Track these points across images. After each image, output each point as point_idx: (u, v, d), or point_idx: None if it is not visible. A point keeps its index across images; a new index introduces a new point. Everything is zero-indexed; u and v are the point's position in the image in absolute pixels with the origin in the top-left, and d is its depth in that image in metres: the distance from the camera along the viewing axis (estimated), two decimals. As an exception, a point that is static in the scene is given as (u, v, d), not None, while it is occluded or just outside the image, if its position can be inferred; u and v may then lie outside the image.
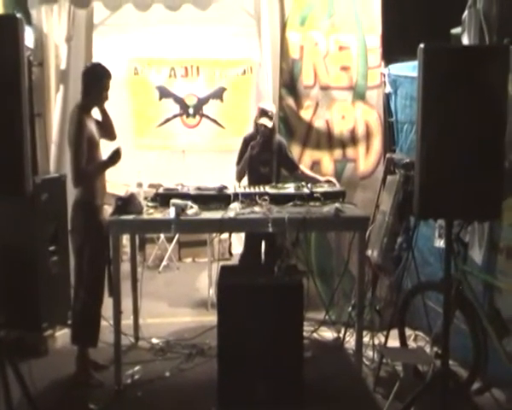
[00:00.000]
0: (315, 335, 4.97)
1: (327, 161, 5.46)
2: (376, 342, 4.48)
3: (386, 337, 4.26)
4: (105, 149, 4.19)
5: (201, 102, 7.75)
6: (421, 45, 2.75)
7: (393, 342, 4.34)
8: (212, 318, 4.36)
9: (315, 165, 5.43)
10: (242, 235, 5.53)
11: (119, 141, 4.35)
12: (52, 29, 5.01)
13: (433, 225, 4.39)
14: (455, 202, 2.81)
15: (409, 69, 5.16)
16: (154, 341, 4.82)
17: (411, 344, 4.47)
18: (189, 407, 3.86)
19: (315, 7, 5.36)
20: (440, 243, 4.20)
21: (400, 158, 4.51)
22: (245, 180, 5.09)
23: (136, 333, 4.89)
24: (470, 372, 3.88)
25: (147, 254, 7.38)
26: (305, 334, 4.22)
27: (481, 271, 4.01)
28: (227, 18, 6.36)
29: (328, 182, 4.85)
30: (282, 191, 4.46)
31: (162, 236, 7.29)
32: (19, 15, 2.66)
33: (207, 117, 7.79)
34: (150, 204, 4.25)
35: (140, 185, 4.76)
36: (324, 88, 5.42)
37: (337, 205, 4.18)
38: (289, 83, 5.38)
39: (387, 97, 5.55)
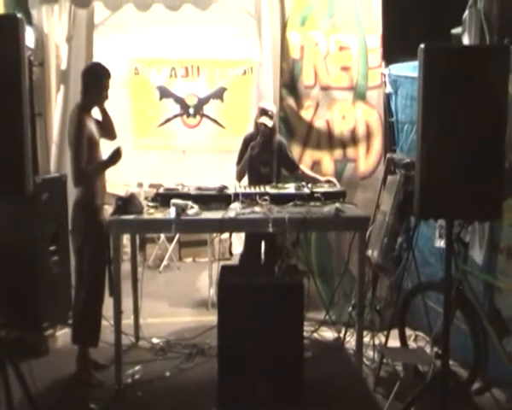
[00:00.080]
0: (315, 335, 4.97)
1: (327, 161, 5.46)
2: (377, 342, 4.48)
3: (387, 337, 4.26)
4: (105, 148, 4.19)
5: (202, 102, 7.75)
6: (422, 45, 2.75)
7: (394, 342, 4.34)
8: (212, 318, 4.36)
9: (315, 165, 5.43)
10: (243, 235, 5.53)
11: (120, 141, 4.35)
12: (53, 29, 5.01)
13: (433, 226, 4.39)
14: (455, 202, 2.81)
15: (409, 69, 5.16)
16: (155, 340, 4.82)
17: (412, 344, 4.48)
18: (190, 407, 3.86)
19: (315, 7, 5.36)
20: (441, 243, 4.20)
21: (401, 158, 4.51)
22: (245, 180, 5.09)
23: (137, 333, 4.90)
24: (470, 372, 3.88)
25: (147, 253, 7.38)
26: (305, 334, 4.22)
27: (482, 271, 4.01)
28: (227, 18, 6.36)
29: (329, 182, 4.85)
30: (282, 191, 4.46)
31: (162, 236, 7.29)
32: (19, 15, 2.66)
33: (208, 117, 7.80)
34: (151, 204, 4.25)
35: (140, 185, 4.76)
36: (325, 88, 5.42)
37: (337, 205, 4.18)
38: (290, 83, 5.38)
39: (388, 97, 5.55)
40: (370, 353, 4.49)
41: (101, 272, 4.13)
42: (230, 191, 4.36)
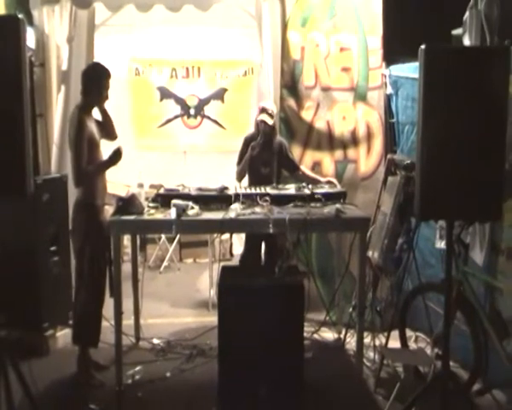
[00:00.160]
0: (316, 336, 4.97)
1: (328, 161, 5.46)
2: (377, 343, 4.49)
3: (387, 338, 4.26)
4: (106, 149, 4.19)
5: (202, 102, 7.76)
6: (422, 46, 2.75)
7: (394, 343, 4.35)
8: (212, 318, 4.36)
9: (316, 165, 5.43)
10: (243, 236, 5.52)
11: (120, 141, 4.35)
12: (54, 30, 5.01)
13: (433, 227, 4.39)
14: (456, 203, 2.81)
15: (410, 70, 5.17)
16: (155, 341, 4.83)
17: (412, 345, 4.47)
18: (190, 408, 3.86)
19: (316, 8, 5.37)
20: (441, 244, 4.20)
21: (401, 159, 4.51)
22: (246, 181, 5.09)
23: (137, 333, 4.90)
24: (471, 373, 3.88)
25: (148, 254, 7.39)
26: (305, 335, 4.23)
27: (482, 272, 4.01)
28: (228, 19, 6.37)
29: (329, 183, 4.84)
30: (282, 192, 4.46)
31: (163, 236, 7.30)
32: (20, 16, 2.66)
33: (208, 118, 7.80)
34: (151, 205, 4.26)
35: (141, 186, 4.77)
36: (325, 89, 5.42)
37: (338, 206, 4.18)
38: (290, 84, 5.38)
39: (388, 98, 5.55)
40: (371, 354, 4.49)
41: (101, 272, 4.13)
42: (231, 192, 4.36)
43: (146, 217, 4.04)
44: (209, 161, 7.55)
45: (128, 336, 4.67)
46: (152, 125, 7.75)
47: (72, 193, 4.28)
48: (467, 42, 4.21)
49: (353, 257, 4.48)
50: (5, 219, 4.24)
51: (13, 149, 2.64)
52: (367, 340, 4.40)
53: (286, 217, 3.94)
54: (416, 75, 2.88)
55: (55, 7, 4.97)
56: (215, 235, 6.03)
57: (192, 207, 4.05)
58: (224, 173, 5.59)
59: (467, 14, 4.21)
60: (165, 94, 7.71)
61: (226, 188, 4.42)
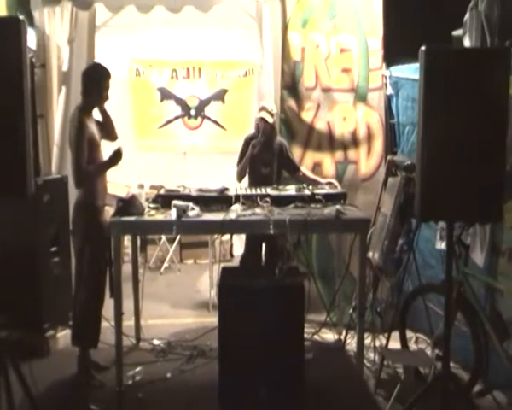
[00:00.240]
0: (316, 337, 4.97)
1: (328, 162, 5.46)
2: (377, 344, 4.49)
3: (388, 339, 4.27)
4: (106, 149, 4.19)
5: (203, 103, 7.76)
6: (423, 47, 2.75)
7: (394, 344, 4.35)
8: (213, 319, 4.36)
9: (316, 166, 5.43)
10: (243, 236, 5.52)
11: (121, 142, 4.36)
12: (54, 31, 5.01)
13: (434, 228, 4.39)
14: (456, 204, 2.81)
15: (410, 71, 5.17)
16: (156, 342, 4.83)
17: (412, 346, 4.47)
18: (190, 409, 3.86)
19: (316, 9, 5.37)
20: (442, 245, 4.20)
21: (401, 160, 4.52)
22: (246, 181, 5.09)
23: (138, 334, 4.90)
24: (471, 375, 3.88)
25: (148, 255, 7.39)
26: (306, 336, 4.22)
27: (483, 273, 4.01)
28: (228, 20, 6.36)
29: (330, 184, 4.85)
30: (283, 193, 4.46)
31: (164, 237, 7.29)
32: (21, 17, 2.66)
33: (209, 118, 7.80)
34: (152, 205, 4.26)
35: (141, 187, 4.77)
36: (325, 90, 5.43)
37: (338, 207, 4.18)
38: (291, 85, 5.39)
39: (389, 99, 5.56)
40: (371, 355, 4.50)
41: (100, 273, 4.14)
42: (231, 193, 4.36)
43: (146, 218, 4.04)
44: (209, 162, 7.55)
45: (128, 337, 4.67)
46: (152, 126, 7.75)
47: (73, 194, 4.28)
48: (467, 43, 4.21)
49: (353, 258, 4.47)
50: (6, 220, 4.23)
51: (13, 150, 2.64)
52: (367, 341, 4.40)
53: (286, 218, 3.94)
54: (417, 76, 2.88)
55: (55, 8, 4.98)
56: (215, 236, 6.03)
57: (192, 208, 4.05)
58: (224, 174, 5.59)
59: (467, 15, 4.21)
60: (165, 95, 7.71)
61: (226, 189, 4.43)
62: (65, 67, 5.07)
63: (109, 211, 4.46)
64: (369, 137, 5.49)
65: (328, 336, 5.00)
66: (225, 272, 4.08)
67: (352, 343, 4.68)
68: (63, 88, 5.06)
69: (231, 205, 4.19)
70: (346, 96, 5.46)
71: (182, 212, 3.96)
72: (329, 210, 4.15)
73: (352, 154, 5.49)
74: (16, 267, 4.26)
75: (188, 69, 7.65)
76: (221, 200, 4.28)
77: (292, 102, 5.39)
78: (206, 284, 6.10)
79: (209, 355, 4.54)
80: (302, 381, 3.78)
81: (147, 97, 7.68)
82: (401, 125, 5.43)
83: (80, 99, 4.18)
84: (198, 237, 7.16)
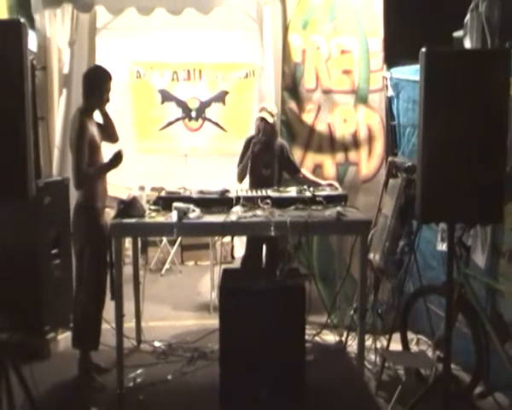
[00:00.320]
0: (317, 338, 4.97)
1: (329, 164, 5.47)
2: (378, 345, 4.49)
3: (389, 341, 4.26)
4: (107, 151, 4.19)
5: (204, 105, 7.77)
6: (423, 49, 2.75)
7: (395, 345, 4.34)
8: (214, 321, 4.36)
9: (317, 168, 5.43)
10: (244, 238, 5.52)
11: (122, 144, 4.36)
12: (55, 33, 5.02)
13: (435, 229, 4.39)
14: (457, 205, 2.81)
15: (411, 73, 5.17)
16: (156, 344, 4.83)
17: (413, 348, 4.46)
18: (191, 411, 3.87)
19: (317, 11, 5.38)
20: (443, 247, 4.19)
21: (402, 161, 4.52)
22: (246, 182, 5.09)
23: (139, 336, 4.90)
24: (472, 376, 3.88)
25: (149, 257, 7.38)
26: (307, 337, 4.23)
27: (484, 275, 4.01)
28: (229, 22, 6.38)
29: (330, 185, 4.85)
30: (284, 195, 4.47)
31: (164, 239, 7.29)
32: (22, 20, 2.66)
33: (210, 120, 7.81)
34: (152, 207, 4.26)
35: (142, 189, 4.76)
36: (326, 91, 5.43)
37: (339, 209, 4.19)
38: (291, 86, 5.40)
39: (389, 101, 5.55)
40: (372, 356, 4.49)
41: (101, 275, 4.13)
42: (232, 195, 4.36)
43: (147, 220, 4.04)
44: (210, 164, 7.55)
45: (129, 339, 4.66)
46: (153, 128, 7.76)
47: (74, 196, 4.28)
48: (468, 44, 4.21)
49: (354, 260, 4.47)
50: (7, 222, 4.24)
51: (14, 152, 2.65)
52: (368, 342, 4.40)
53: (287, 220, 3.94)
54: (417, 78, 2.88)
55: (56, 10, 4.99)
56: (216, 238, 6.03)
57: (193, 210, 4.05)
58: (225, 176, 5.60)
59: (468, 16, 4.21)
60: (166, 97, 7.72)
61: (227, 191, 4.43)
62: (66, 70, 5.08)
63: (110, 213, 4.46)
64: (370, 138, 5.49)
65: (329, 337, 5.00)
66: (226, 274, 4.08)
67: (352, 345, 4.67)
68: (64, 90, 5.07)
69: (232, 207, 4.19)
70: (347, 97, 5.46)
71: (183, 214, 3.96)
72: (330, 212, 4.15)
73: (352, 155, 5.49)
74: (17, 269, 4.27)
75: (188, 71, 7.66)
76: (222, 202, 4.29)
77: (292, 104, 5.40)
78: (207, 285, 6.10)
79: (210, 357, 4.54)
80: (303, 383, 3.78)
81: (147, 99, 7.69)
82: (402, 126, 5.43)
83: (81, 101, 4.18)
84: (199, 239, 7.15)
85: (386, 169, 4.96)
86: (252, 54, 6.76)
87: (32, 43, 4.87)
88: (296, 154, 5.32)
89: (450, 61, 2.76)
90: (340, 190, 4.72)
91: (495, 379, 3.83)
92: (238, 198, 4.28)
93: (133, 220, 3.99)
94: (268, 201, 4.26)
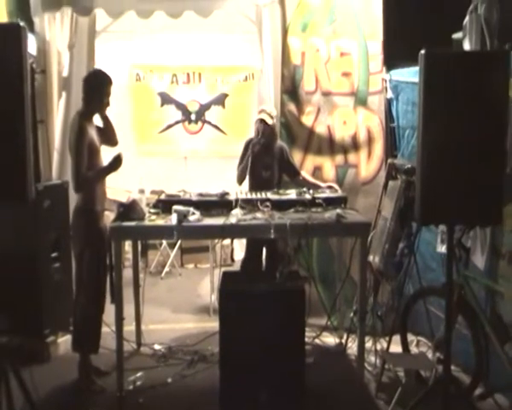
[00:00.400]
0: (317, 341, 4.97)
1: (328, 166, 5.47)
2: (378, 347, 4.49)
3: (389, 343, 4.26)
4: (107, 155, 4.20)
5: (203, 108, 7.78)
6: (422, 51, 2.76)
7: (395, 347, 4.34)
8: (214, 324, 4.37)
9: (316, 170, 5.44)
10: (244, 241, 5.52)
11: (121, 147, 4.36)
12: (55, 36, 5.02)
13: (434, 231, 4.39)
14: (456, 207, 2.81)
15: (410, 75, 5.17)
16: (156, 347, 4.83)
17: (413, 350, 4.46)
18: (191, 414, 3.86)
19: (316, 13, 5.39)
20: (442, 249, 4.20)
21: (402, 163, 4.52)
22: (246, 184, 5.09)
23: (139, 339, 4.90)
24: (472, 378, 3.88)
25: (149, 260, 7.37)
26: (307, 340, 4.22)
27: (483, 276, 4.01)
28: (228, 25, 6.38)
29: (330, 188, 4.85)
30: (283, 197, 4.47)
31: (164, 242, 7.29)
32: (22, 23, 2.67)
33: (209, 123, 7.82)
34: (152, 210, 4.27)
35: (142, 192, 4.77)
36: (326, 94, 5.44)
37: (339, 211, 4.19)
38: (291, 89, 5.40)
39: (389, 103, 5.56)
40: (372, 358, 4.49)
41: (100, 278, 4.13)
42: (232, 197, 4.36)
43: (147, 223, 4.04)
44: (210, 167, 7.56)
45: (129, 342, 4.66)
46: (153, 131, 7.76)
47: (74, 199, 4.28)
48: (467, 46, 4.21)
49: (354, 262, 4.47)
50: (6, 226, 4.24)
51: (14, 156, 2.65)
52: (368, 344, 4.40)
53: (287, 222, 3.94)
54: (417, 80, 2.88)
55: (56, 14, 4.98)
56: (216, 240, 6.03)
57: (193, 213, 4.05)
58: (224, 179, 5.59)
59: (467, 18, 4.21)
60: (165, 99, 7.72)
61: (227, 193, 4.43)
62: (65, 73, 5.08)
63: (109, 216, 4.46)
64: (370, 140, 5.50)
65: (329, 340, 5.00)
66: (226, 277, 4.08)
67: (352, 347, 4.67)
68: (63, 93, 5.06)
69: (232, 209, 4.19)
70: (347, 99, 5.47)
71: (182, 217, 3.96)
72: (330, 214, 4.16)
73: (352, 157, 5.49)
74: (17, 273, 4.26)
75: (188, 74, 7.67)
76: (222, 204, 4.29)
77: (292, 107, 5.40)
78: (206, 288, 6.10)
79: (210, 360, 4.54)
80: (303, 385, 3.77)
81: (147, 102, 7.69)
82: (401, 128, 5.43)
83: (81, 104, 4.18)
84: (199, 242, 7.14)
85: (385, 171, 4.96)
86: (251, 56, 6.79)
87: (32, 46, 4.87)
88: (296, 156, 5.32)
89: (449, 63, 2.77)
90: (339, 193, 4.72)
91: (495, 381, 3.83)
92: (238, 201, 4.28)
93: (133, 223, 3.99)
94: (268, 203, 4.26)
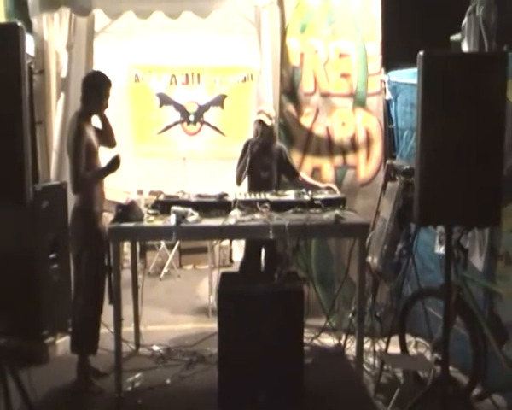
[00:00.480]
0: (315, 341, 4.97)
1: (327, 167, 5.47)
2: (377, 348, 4.48)
3: (387, 344, 4.26)
4: (105, 156, 4.19)
5: (202, 109, 7.78)
6: (421, 52, 2.76)
7: (394, 348, 4.34)
8: (212, 325, 4.36)
9: (315, 171, 5.44)
10: (243, 242, 5.52)
11: (120, 148, 4.36)
12: (53, 37, 5.02)
13: (433, 232, 4.40)
14: (455, 208, 2.82)
15: (409, 76, 5.17)
16: (155, 348, 4.82)
17: (412, 350, 4.47)
18: (190, 415, 3.86)
19: (315, 14, 5.39)
20: (441, 250, 4.20)
21: (400, 164, 4.52)
22: (245, 185, 5.08)
23: (137, 340, 4.89)
24: (470, 378, 3.88)
25: (148, 261, 7.38)
26: (305, 341, 4.23)
27: (481, 277, 4.01)
28: (227, 25, 6.38)
29: (329, 189, 4.85)
30: (282, 198, 4.47)
31: (163, 243, 7.29)
32: (20, 24, 2.66)
33: (208, 124, 7.81)
34: (151, 211, 4.26)
35: (141, 193, 4.78)
36: (324, 95, 5.44)
37: (337, 212, 4.19)
38: (289, 90, 5.40)
39: (388, 104, 5.56)
40: (371, 359, 4.49)
41: (98, 279, 4.13)
42: (230, 198, 4.36)
43: (145, 224, 4.04)
44: (209, 168, 7.55)
45: (128, 343, 4.66)
46: (151, 132, 7.76)
47: (72, 200, 4.28)
48: (465, 48, 4.22)
49: (353, 263, 4.48)
50: (4, 227, 4.24)
51: (12, 157, 2.65)
52: (367, 345, 4.40)
53: (285, 223, 3.94)
54: (415, 81, 2.89)
55: (54, 14, 4.98)
56: (215, 241, 6.03)
57: (192, 214, 4.05)
58: (223, 180, 5.59)
59: (465, 20, 4.23)
60: (164, 100, 7.72)
61: (226, 194, 4.43)
62: (63, 74, 5.07)
63: (108, 217, 4.46)
64: (368, 141, 5.50)
65: (328, 340, 5.00)
66: (225, 278, 4.07)
67: (351, 348, 4.67)
68: (62, 94, 5.06)
69: (230, 210, 4.18)
70: (345, 101, 5.47)
71: (181, 217, 3.96)
72: (328, 215, 4.16)
73: (350, 158, 5.50)
74: (15, 274, 4.26)
75: (187, 75, 7.67)
76: (220, 205, 4.28)
77: (291, 108, 5.40)
78: (205, 289, 6.10)
79: (209, 361, 4.54)
80: (301, 386, 3.77)
81: (146, 103, 7.69)
82: (400, 129, 5.43)
83: (79, 105, 4.18)
84: (197, 243, 7.14)
85: (384, 172, 4.95)
86: (250, 57, 6.79)
87: (30, 46, 4.87)
88: (294, 157, 5.32)
89: (447, 65, 2.77)
90: (338, 194, 4.72)
91: (493, 381, 3.84)
92: (236, 202, 4.27)
93: (131, 224, 3.98)
94: (266, 204, 4.26)
